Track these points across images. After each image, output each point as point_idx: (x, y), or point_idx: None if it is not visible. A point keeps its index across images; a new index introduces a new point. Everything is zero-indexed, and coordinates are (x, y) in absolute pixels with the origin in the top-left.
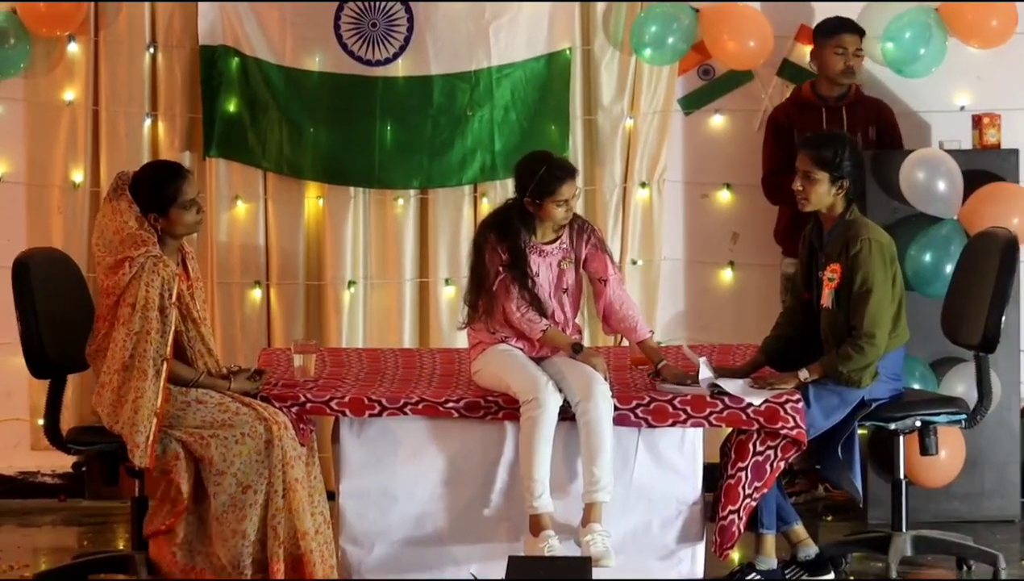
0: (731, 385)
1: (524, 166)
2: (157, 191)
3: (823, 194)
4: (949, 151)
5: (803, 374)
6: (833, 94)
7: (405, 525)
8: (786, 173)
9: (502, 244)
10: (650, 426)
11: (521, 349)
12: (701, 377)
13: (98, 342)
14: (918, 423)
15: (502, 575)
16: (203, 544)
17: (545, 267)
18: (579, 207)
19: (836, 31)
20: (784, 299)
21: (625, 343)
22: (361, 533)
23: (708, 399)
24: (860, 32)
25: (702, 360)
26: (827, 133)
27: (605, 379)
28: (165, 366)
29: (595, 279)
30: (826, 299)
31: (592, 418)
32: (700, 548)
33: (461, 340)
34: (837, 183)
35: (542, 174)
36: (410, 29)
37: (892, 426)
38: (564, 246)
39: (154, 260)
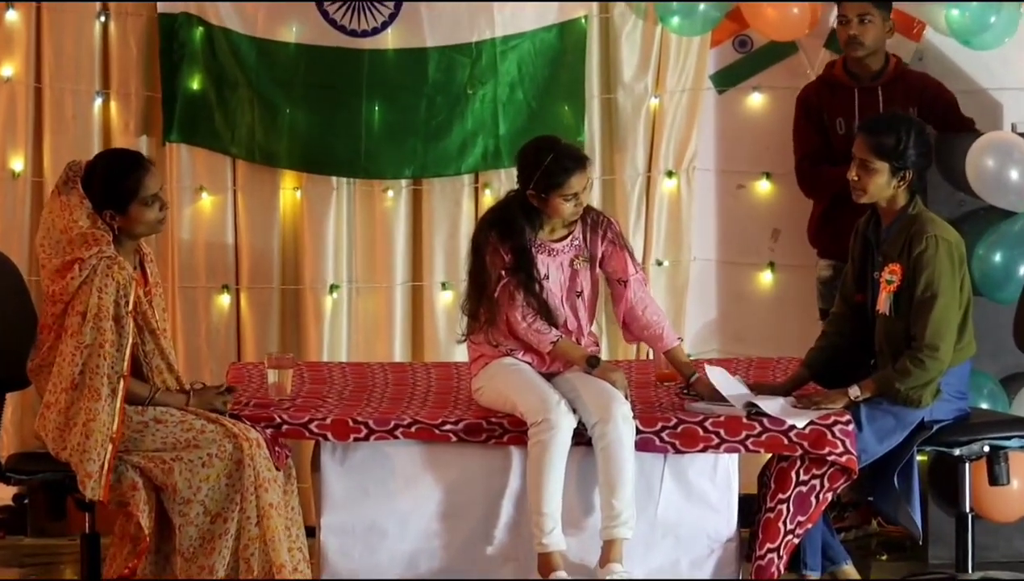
0: (770, 404)
1: (528, 154)
2: (114, 185)
3: (882, 186)
4: (1023, 135)
5: (854, 391)
6: (865, 72)
7: (396, 565)
8: (821, 160)
9: (504, 244)
10: (678, 452)
11: (529, 363)
12: (737, 394)
13: (42, 356)
14: (986, 448)
15: None
16: None
17: (555, 268)
18: (596, 200)
19: None
20: (820, 308)
21: (650, 354)
22: (346, 573)
23: (744, 421)
24: None
25: (736, 378)
26: (890, 115)
27: (626, 398)
28: (122, 384)
29: (613, 280)
30: (883, 304)
31: (611, 442)
32: None
33: (460, 353)
34: (899, 174)
35: (548, 164)
36: None
37: (956, 452)
38: (577, 243)
39: (108, 262)
